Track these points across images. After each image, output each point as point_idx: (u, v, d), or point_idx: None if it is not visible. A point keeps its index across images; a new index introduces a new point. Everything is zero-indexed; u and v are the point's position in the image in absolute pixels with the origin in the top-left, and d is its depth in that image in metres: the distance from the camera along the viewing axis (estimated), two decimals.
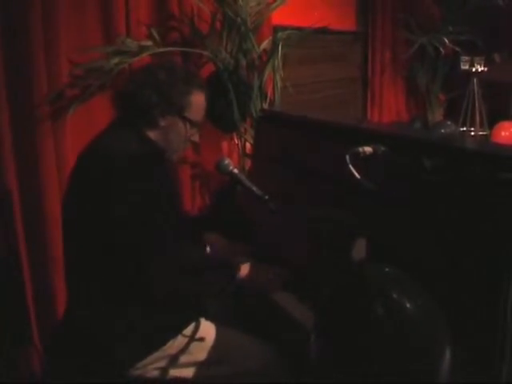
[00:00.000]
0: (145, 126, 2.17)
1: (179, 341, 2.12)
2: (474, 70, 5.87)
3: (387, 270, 1.49)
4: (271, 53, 3.69)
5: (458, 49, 5.76)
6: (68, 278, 2.22)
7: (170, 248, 2.02)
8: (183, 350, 2.12)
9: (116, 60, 3.16)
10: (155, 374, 2.09)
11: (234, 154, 4.01)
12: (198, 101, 2.23)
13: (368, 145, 1.96)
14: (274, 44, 3.69)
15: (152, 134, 2.18)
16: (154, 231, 1.98)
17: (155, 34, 3.38)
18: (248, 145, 3.79)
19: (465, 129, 6.01)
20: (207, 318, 2.24)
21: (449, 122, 5.84)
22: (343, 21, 5.38)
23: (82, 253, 2.06)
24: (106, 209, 1.95)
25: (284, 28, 3.85)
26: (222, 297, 2.36)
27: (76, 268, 2.13)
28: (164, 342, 2.09)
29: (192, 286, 2.09)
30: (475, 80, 5.96)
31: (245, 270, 2.25)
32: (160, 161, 2.15)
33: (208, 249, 2.64)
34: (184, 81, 2.19)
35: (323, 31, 3.99)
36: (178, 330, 2.13)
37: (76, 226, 2.09)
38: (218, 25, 3.62)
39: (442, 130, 5.65)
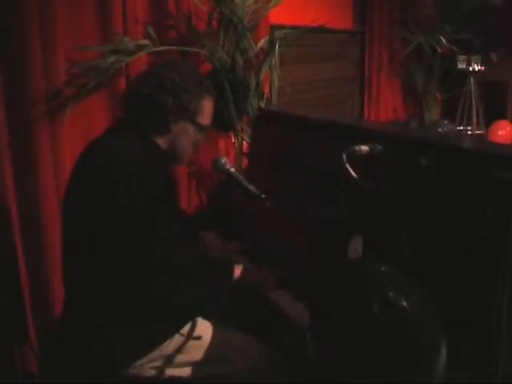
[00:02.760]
0: (154, 131, 2.13)
1: (176, 340, 2.12)
2: (470, 69, 5.87)
3: (383, 268, 1.50)
4: (268, 52, 3.69)
5: (454, 48, 5.77)
6: (65, 279, 2.20)
7: (171, 250, 2.02)
8: (180, 349, 2.12)
9: (113, 59, 3.16)
10: (152, 373, 2.09)
11: (231, 153, 4.00)
12: (208, 105, 2.21)
13: (365, 144, 1.96)
14: (271, 43, 3.68)
15: (161, 140, 2.15)
16: (156, 235, 1.97)
17: (152, 33, 3.38)
18: (245, 143, 3.79)
19: (461, 128, 6.01)
20: (204, 317, 2.24)
21: (446, 121, 5.85)
22: (340, 20, 5.38)
23: (81, 253, 2.05)
24: (108, 212, 1.94)
25: (281, 27, 3.85)
26: (218, 298, 2.36)
27: (74, 269, 2.12)
28: (161, 342, 2.09)
29: (190, 288, 2.09)
30: (472, 79, 5.96)
31: (238, 271, 2.25)
32: (164, 167, 2.13)
33: (206, 248, 2.65)
34: (197, 85, 2.16)
35: (320, 30, 4.00)
36: (175, 330, 2.13)
37: (76, 228, 2.07)
38: (214, 23, 3.62)
39: (439, 129, 5.65)
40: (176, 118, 2.13)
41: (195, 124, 2.17)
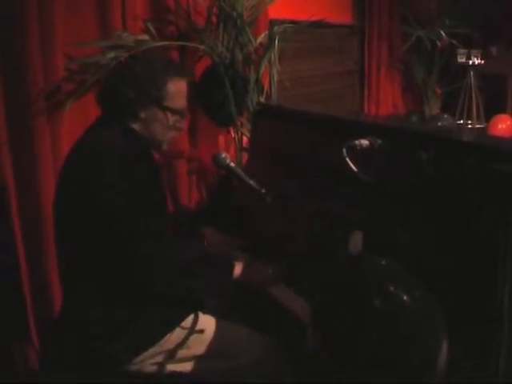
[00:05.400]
0: (128, 120, 2.18)
1: (177, 334, 2.12)
2: (470, 62, 5.87)
3: (384, 262, 1.49)
4: (267, 46, 3.68)
5: (454, 42, 5.76)
6: (63, 275, 2.22)
7: (167, 242, 2.02)
8: (181, 343, 2.12)
9: (112, 54, 3.15)
10: (153, 369, 2.09)
11: (231, 148, 4.00)
12: (176, 88, 2.22)
13: (365, 138, 1.96)
14: (271, 38, 3.68)
15: (136, 127, 2.19)
16: (148, 225, 1.99)
17: (151, 28, 3.38)
18: (245, 138, 3.78)
19: (461, 122, 6.01)
20: (206, 312, 2.24)
21: (445, 115, 5.85)
22: (340, 14, 5.37)
23: (76, 249, 2.06)
24: (98, 205, 1.96)
25: (280, 22, 3.84)
26: (218, 294, 2.37)
27: (71, 264, 2.13)
28: (162, 336, 2.09)
29: (189, 283, 2.10)
30: (472, 73, 5.95)
31: (239, 268, 2.25)
32: (146, 152, 2.18)
33: (205, 243, 2.64)
34: (160, 71, 2.19)
35: (320, 25, 3.99)
36: (175, 324, 2.13)
37: (67, 224, 2.10)
38: (214, 19, 3.61)
39: (439, 123, 5.65)
40: (141, 105, 2.17)
41: (163, 108, 2.20)
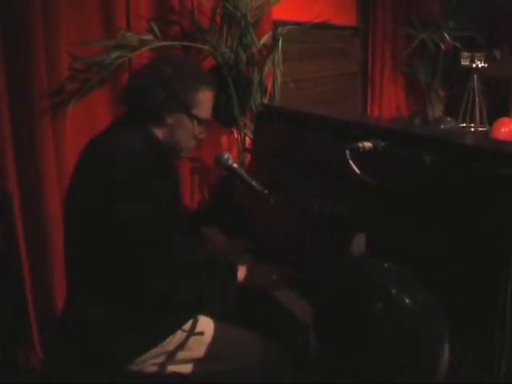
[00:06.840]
0: (152, 124, 2.14)
1: (178, 336, 2.12)
2: (474, 65, 5.87)
3: (386, 265, 1.49)
4: (271, 48, 3.70)
5: (458, 45, 5.77)
6: (68, 275, 2.21)
7: (172, 247, 2.02)
8: (182, 345, 2.12)
9: (116, 54, 3.16)
10: (154, 369, 2.09)
11: (234, 149, 4.01)
12: (205, 98, 2.20)
13: (368, 140, 1.95)
14: (274, 39, 3.69)
15: (159, 132, 2.15)
16: (157, 230, 1.97)
17: (155, 28, 3.38)
18: (248, 139, 3.79)
19: (465, 125, 6.02)
20: (206, 314, 2.24)
21: (449, 118, 5.85)
22: (344, 16, 5.38)
23: (83, 250, 2.05)
24: (110, 207, 1.93)
25: (284, 23, 3.86)
26: (222, 297, 2.36)
27: (76, 265, 2.13)
28: (163, 338, 2.08)
29: (191, 287, 2.09)
30: (475, 76, 5.96)
31: (242, 271, 2.24)
32: (165, 160, 2.14)
33: (208, 246, 2.64)
34: (192, 77, 2.15)
35: (323, 26, 4.00)
36: (176, 327, 2.12)
37: (78, 224, 2.08)
38: (218, 19, 3.62)
39: (442, 126, 5.65)
40: (169, 110, 2.13)
41: (190, 116, 2.17)
